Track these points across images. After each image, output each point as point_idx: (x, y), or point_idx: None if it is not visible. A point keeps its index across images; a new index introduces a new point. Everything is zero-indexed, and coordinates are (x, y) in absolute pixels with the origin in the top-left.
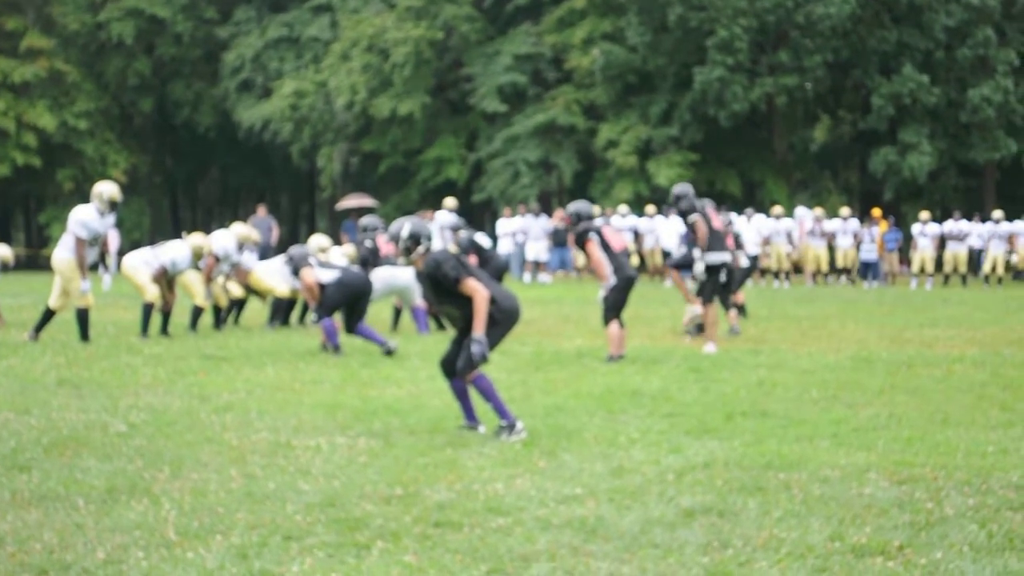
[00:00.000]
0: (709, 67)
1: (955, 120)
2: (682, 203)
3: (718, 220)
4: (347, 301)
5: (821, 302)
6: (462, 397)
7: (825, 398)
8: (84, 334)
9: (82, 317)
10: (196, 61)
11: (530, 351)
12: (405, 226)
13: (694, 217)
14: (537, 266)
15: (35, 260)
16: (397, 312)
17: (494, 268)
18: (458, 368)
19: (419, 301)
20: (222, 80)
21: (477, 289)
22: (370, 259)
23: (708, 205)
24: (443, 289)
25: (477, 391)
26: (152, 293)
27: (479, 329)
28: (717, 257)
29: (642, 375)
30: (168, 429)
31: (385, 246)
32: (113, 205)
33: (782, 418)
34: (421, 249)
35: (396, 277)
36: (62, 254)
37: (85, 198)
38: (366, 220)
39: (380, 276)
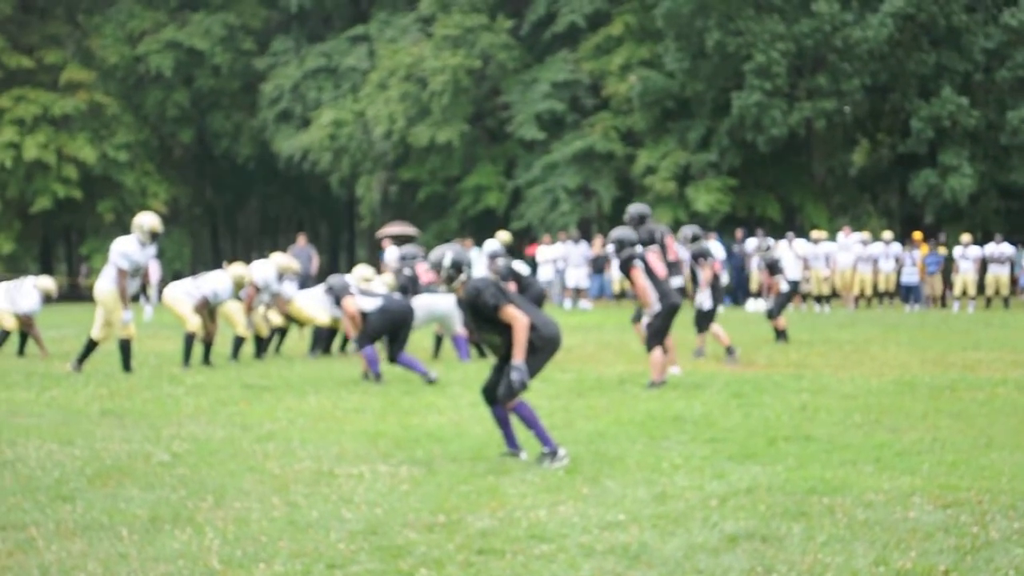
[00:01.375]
0: (747, 92)
1: (995, 142)
2: (623, 252)
3: (673, 251)
4: (389, 329)
5: (863, 326)
6: (503, 424)
7: (868, 422)
8: (127, 365)
9: (125, 348)
10: (235, 92)
11: (571, 378)
12: (447, 254)
13: (633, 268)
14: (578, 293)
15: (76, 291)
16: (438, 340)
17: (533, 295)
18: (499, 395)
19: (459, 329)
20: (261, 111)
21: (516, 317)
22: (410, 287)
23: (666, 234)
24: (484, 317)
25: (519, 419)
26: (194, 324)
27: (519, 356)
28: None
29: (684, 401)
30: (211, 458)
31: (425, 274)
32: (154, 236)
33: (825, 443)
34: (463, 277)
35: (436, 305)
36: (104, 285)
37: (126, 229)
38: (405, 249)
39: (421, 304)
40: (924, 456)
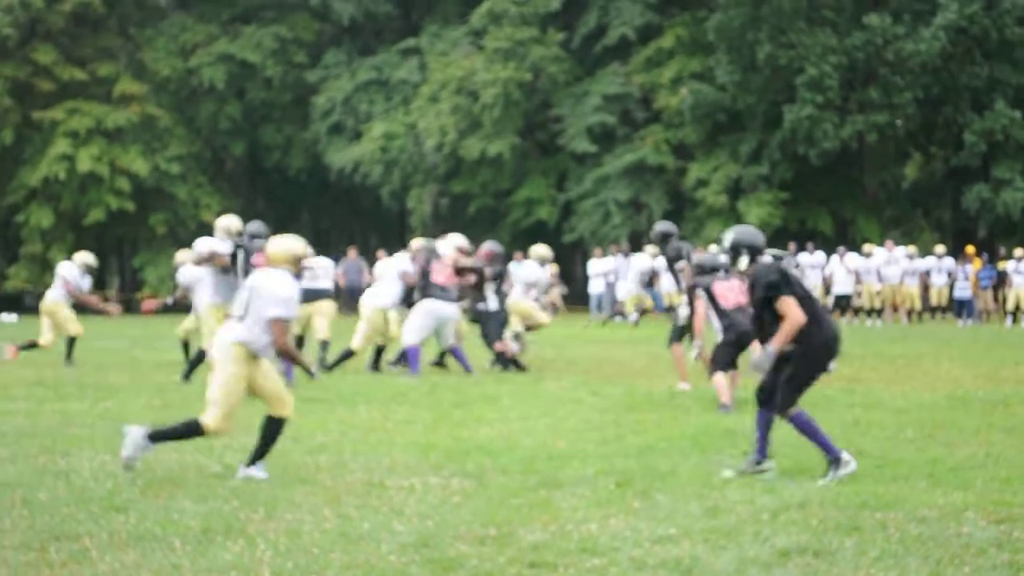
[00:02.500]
0: (799, 105)
1: None
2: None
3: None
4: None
5: (915, 341)
6: (762, 429)
7: (921, 437)
8: (188, 374)
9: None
10: (286, 105)
11: (622, 392)
12: (729, 235)
13: (682, 264)
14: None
15: (129, 304)
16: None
17: None
18: (778, 402)
19: (452, 340)
20: (312, 123)
21: (793, 310)
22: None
23: (692, 251)
24: (764, 303)
25: (796, 428)
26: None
27: (775, 344)
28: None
29: (735, 415)
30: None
31: (436, 274)
32: (239, 235)
33: (878, 457)
34: (745, 260)
35: (440, 310)
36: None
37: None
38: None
39: (425, 308)
40: (977, 471)
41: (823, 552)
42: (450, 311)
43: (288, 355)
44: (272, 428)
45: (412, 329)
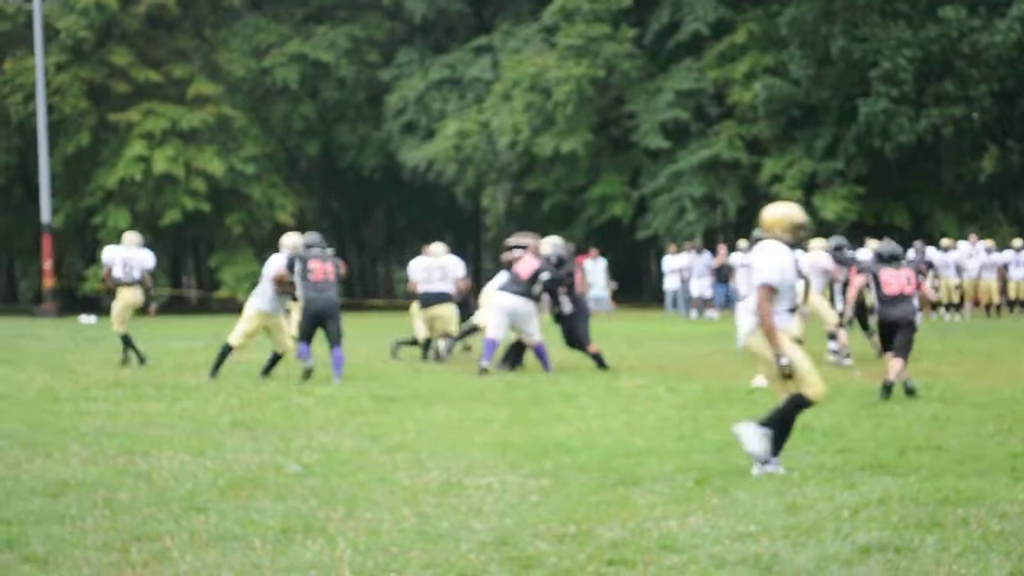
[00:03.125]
0: (873, 99)
1: None
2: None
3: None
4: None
5: (995, 335)
6: None
7: (1001, 432)
8: (267, 370)
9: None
10: (360, 104)
11: (699, 388)
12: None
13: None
14: (704, 303)
15: (206, 304)
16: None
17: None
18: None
19: (537, 337)
20: (386, 122)
21: None
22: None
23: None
24: None
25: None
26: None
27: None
28: None
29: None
30: (340, 469)
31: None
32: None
33: (958, 453)
34: None
35: (512, 306)
36: (259, 304)
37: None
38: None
39: (499, 304)
40: None
41: (904, 549)
42: (519, 305)
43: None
44: (791, 407)
45: (492, 324)
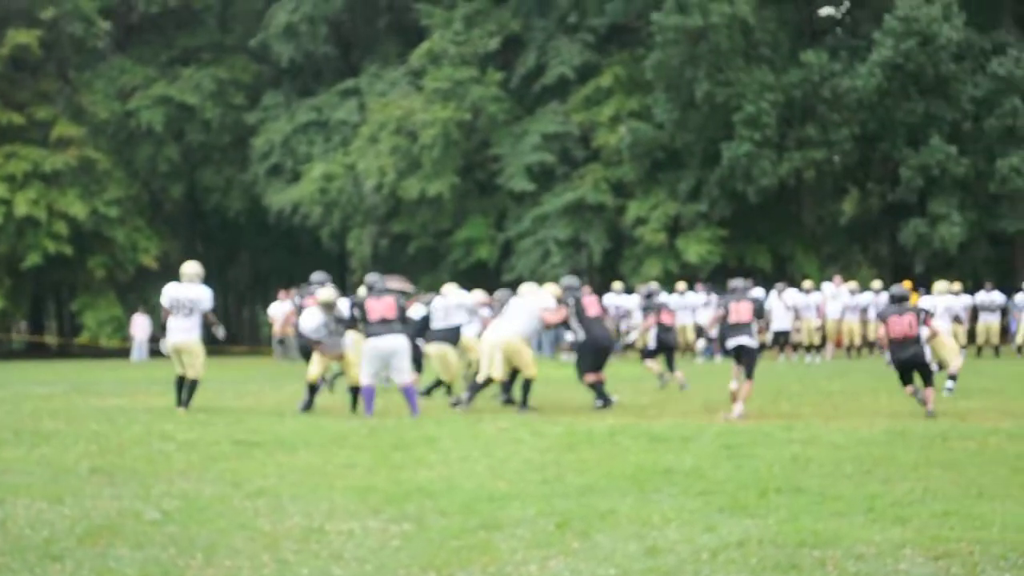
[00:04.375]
0: (736, 142)
1: (984, 191)
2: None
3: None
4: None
5: (854, 376)
6: None
7: (859, 473)
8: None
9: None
10: (225, 147)
11: (561, 430)
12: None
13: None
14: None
15: (67, 349)
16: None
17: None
18: None
19: (407, 377)
20: (251, 165)
21: None
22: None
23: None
24: None
25: None
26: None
27: None
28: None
29: (674, 453)
30: (200, 516)
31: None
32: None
33: (816, 494)
34: None
35: (382, 345)
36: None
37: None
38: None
39: (369, 344)
40: (915, 507)
41: None
42: (391, 344)
43: None
44: None
45: (364, 373)
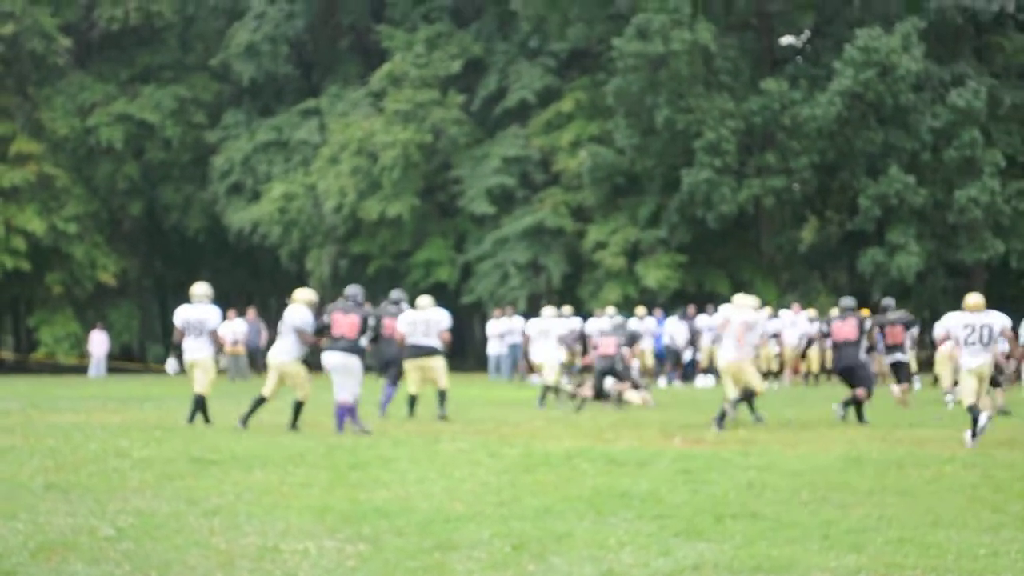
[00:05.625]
0: (697, 169)
1: (942, 221)
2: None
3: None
4: None
5: (811, 403)
6: None
7: (815, 499)
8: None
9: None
10: (185, 165)
11: (518, 452)
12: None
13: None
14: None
15: (23, 365)
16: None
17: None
18: None
19: (344, 396)
20: (211, 184)
21: None
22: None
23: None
24: None
25: None
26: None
27: None
28: None
29: (631, 477)
30: (156, 533)
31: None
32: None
33: (772, 520)
34: None
35: (340, 365)
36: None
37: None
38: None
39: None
40: (871, 534)
41: None
42: (342, 361)
43: None
44: None
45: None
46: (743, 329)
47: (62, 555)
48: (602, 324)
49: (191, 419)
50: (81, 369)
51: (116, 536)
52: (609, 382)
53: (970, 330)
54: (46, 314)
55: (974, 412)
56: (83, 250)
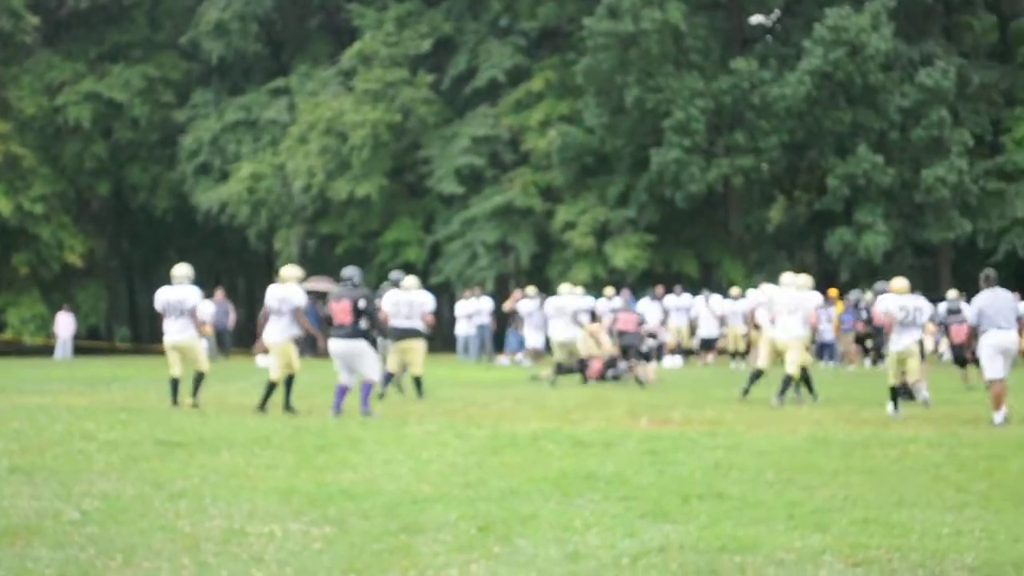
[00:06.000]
0: (666, 148)
1: (910, 200)
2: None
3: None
4: None
5: (777, 383)
6: None
7: (781, 480)
8: (287, 404)
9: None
10: (153, 145)
11: (486, 434)
12: None
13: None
14: (496, 348)
15: None
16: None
17: None
18: None
19: (375, 375)
20: (179, 163)
21: None
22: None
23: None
24: None
25: None
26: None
27: None
28: None
29: (597, 458)
30: (121, 516)
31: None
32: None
33: (738, 500)
34: None
35: (345, 351)
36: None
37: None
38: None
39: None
40: (835, 514)
41: None
42: (346, 348)
43: None
44: None
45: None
46: (813, 310)
47: (26, 539)
48: (613, 302)
49: (194, 394)
50: (47, 351)
51: (81, 520)
52: (623, 365)
53: (905, 312)
54: (12, 295)
55: (894, 391)
56: (50, 231)
